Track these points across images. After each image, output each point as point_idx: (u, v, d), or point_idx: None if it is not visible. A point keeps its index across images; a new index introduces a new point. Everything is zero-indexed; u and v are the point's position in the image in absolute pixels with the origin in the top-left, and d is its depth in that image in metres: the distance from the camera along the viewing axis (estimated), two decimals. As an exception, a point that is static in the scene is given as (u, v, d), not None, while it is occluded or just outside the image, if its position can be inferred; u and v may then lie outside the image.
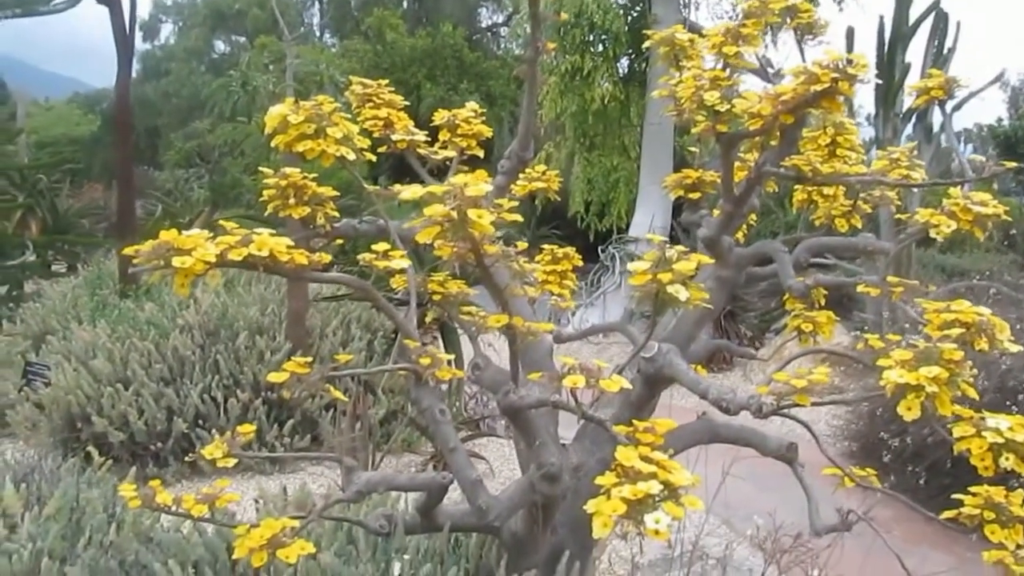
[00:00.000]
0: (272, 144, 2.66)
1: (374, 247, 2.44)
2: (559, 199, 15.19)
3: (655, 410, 2.98)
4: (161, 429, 5.66)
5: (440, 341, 6.60)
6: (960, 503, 2.24)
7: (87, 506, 3.50)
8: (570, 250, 3.37)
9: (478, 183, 1.75)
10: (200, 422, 5.73)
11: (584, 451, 2.85)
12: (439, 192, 1.75)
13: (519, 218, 1.91)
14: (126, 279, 8.05)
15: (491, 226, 1.76)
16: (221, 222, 2.31)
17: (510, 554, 2.93)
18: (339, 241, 2.95)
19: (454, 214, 1.72)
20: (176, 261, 2.08)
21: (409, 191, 1.84)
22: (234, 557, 2.35)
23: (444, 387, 6.58)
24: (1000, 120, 31.42)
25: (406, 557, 2.79)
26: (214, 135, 21.99)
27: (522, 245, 2.23)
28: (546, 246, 3.39)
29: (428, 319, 3.12)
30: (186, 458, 5.15)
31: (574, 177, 15.63)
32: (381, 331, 6.89)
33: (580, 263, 3.34)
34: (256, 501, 3.57)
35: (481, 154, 3.17)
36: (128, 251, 2.16)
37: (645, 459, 1.81)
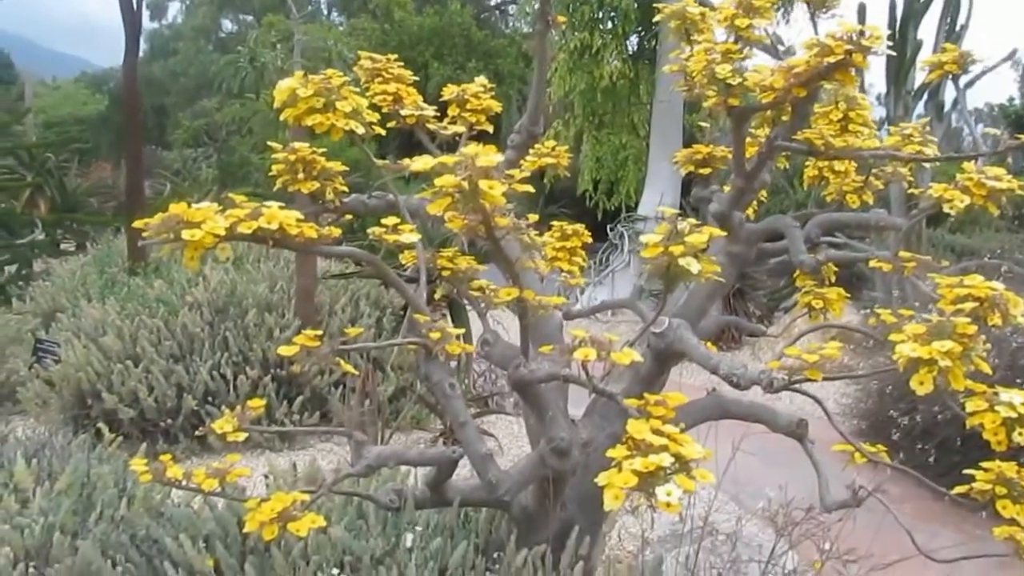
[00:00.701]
0: (281, 118, 2.66)
1: (383, 221, 2.43)
2: (568, 176, 15.22)
3: (665, 387, 2.97)
4: (171, 406, 5.68)
5: (449, 319, 6.60)
6: (971, 479, 2.23)
7: (98, 481, 3.51)
8: (580, 227, 3.35)
9: (489, 154, 1.74)
10: (210, 399, 5.74)
11: (594, 426, 2.85)
12: (450, 163, 1.74)
13: (531, 189, 1.90)
14: (135, 257, 8.07)
15: (502, 197, 1.75)
16: (230, 195, 2.30)
17: (520, 529, 2.93)
18: (348, 217, 2.94)
19: (465, 185, 1.71)
20: (186, 234, 2.07)
21: (420, 162, 1.83)
22: (245, 531, 2.35)
23: (453, 364, 6.62)
24: (1011, 99, 31.24)
25: (418, 528, 2.79)
26: (222, 113, 21.96)
27: (533, 217, 2.22)
28: (556, 223, 3.37)
29: (437, 296, 3.11)
30: (196, 432, 5.16)
31: (583, 155, 15.58)
32: (390, 308, 6.89)
33: (590, 240, 3.32)
34: (266, 477, 3.57)
35: (491, 129, 3.15)
36: (138, 224, 2.15)
37: (656, 432, 1.80)
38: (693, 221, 2.04)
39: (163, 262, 7.58)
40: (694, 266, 1.92)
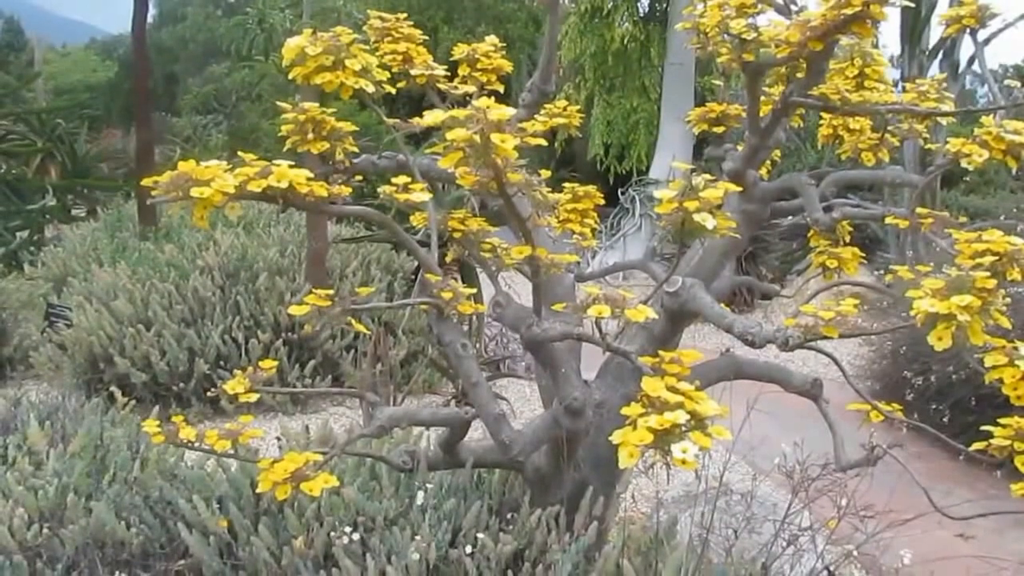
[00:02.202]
0: (290, 78, 2.63)
1: (393, 180, 2.41)
2: (580, 137, 15.13)
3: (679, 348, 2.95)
4: (183, 370, 5.69)
5: (460, 282, 6.58)
6: (988, 435, 2.21)
7: (111, 444, 3.52)
8: (591, 188, 3.32)
9: (501, 107, 1.71)
10: (221, 363, 5.75)
11: (607, 387, 2.84)
12: (462, 116, 1.71)
13: (543, 141, 1.87)
14: (145, 221, 8.07)
15: (515, 151, 1.72)
16: (240, 153, 2.29)
17: (533, 490, 2.93)
18: (359, 178, 2.91)
19: (477, 138, 1.68)
20: (195, 192, 2.06)
21: (431, 116, 1.80)
22: (258, 491, 2.35)
23: (464, 327, 6.61)
24: (1026, 59, 30.92)
25: (429, 486, 2.79)
26: (231, 79, 21.88)
27: (546, 173, 2.19)
28: (567, 184, 3.34)
29: (448, 259, 3.09)
30: (208, 393, 5.18)
31: (593, 119, 15.49)
32: (401, 272, 6.88)
33: (602, 201, 3.28)
34: (278, 439, 3.57)
35: (501, 89, 3.12)
36: (147, 182, 2.13)
37: (672, 389, 1.79)
38: (708, 176, 2.01)
39: (174, 227, 7.59)
40: (709, 222, 1.89)
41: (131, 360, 5.62)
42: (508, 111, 1.71)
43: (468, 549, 2.62)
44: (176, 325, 5.83)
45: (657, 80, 14.65)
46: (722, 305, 3.05)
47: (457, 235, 2.76)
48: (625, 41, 14.50)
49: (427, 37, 3.10)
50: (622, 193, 13.37)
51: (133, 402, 4.69)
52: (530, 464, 2.84)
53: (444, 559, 2.64)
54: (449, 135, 1.70)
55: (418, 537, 2.61)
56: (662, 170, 12.55)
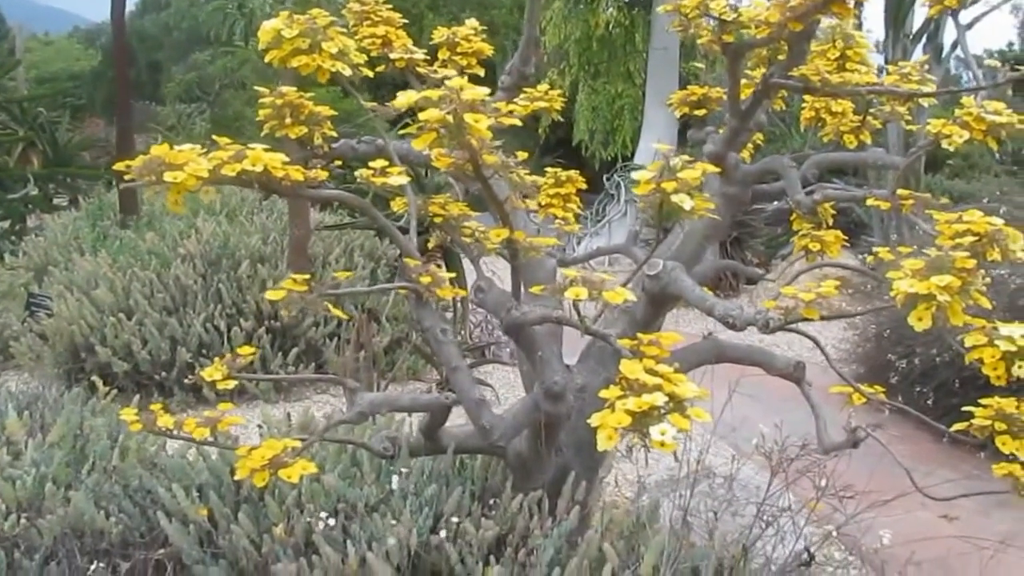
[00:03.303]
0: (266, 61, 2.60)
1: (371, 164, 2.39)
2: (563, 122, 15.10)
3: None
4: (165, 359, 5.66)
5: (444, 269, 6.56)
6: (970, 416, 2.21)
7: (91, 433, 3.50)
8: (574, 173, 3.30)
9: (475, 87, 1.69)
10: (204, 351, 5.72)
11: (589, 371, 2.82)
12: (435, 97, 1.69)
13: (517, 122, 1.85)
14: (127, 210, 8.02)
15: (489, 131, 1.70)
16: (214, 138, 2.26)
17: (515, 475, 2.91)
18: (338, 162, 2.89)
19: (450, 119, 1.66)
20: (168, 176, 2.03)
21: (404, 96, 1.78)
22: (236, 478, 2.33)
23: (449, 314, 6.60)
24: (1010, 45, 30.99)
25: (404, 470, 2.77)
26: (214, 66, 21.75)
27: (523, 155, 2.17)
28: (549, 169, 3.32)
29: (431, 245, 3.07)
30: (186, 380, 5.15)
31: (578, 105, 15.48)
32: (384, 259, 6.86)
33: (584, 186, 3.27)
34: (260, 427, 3.56)
35: (482, 72, 3.10)
36: (119, 166, 2.11)
37: (650, 372, 1.77)
38: (687, 157, 2.00)
39: (156, 215, 7.54)
40: (687, 202, 1.88)
41: (112, 349, 5.58)
42: (482, 91, 1.69)
43: (449, 535, 2.61)
44: (158, 314, 5.79)
45: (642, 65, 14.63)
46: (704, 289, 3.05)
47: (438, 220, 2.74)
48: (610, 27, 14.48)
49: (412, 24, 3.08)
50: (607, 179, 13.35)
51: (115, 391, 4.66)
52: (512, 449, 2.83)
53: (425, 545, 2.63)
54: (422, 116, 1.68)
55: (393, 522, 2.59)
56: (647, 155, 12.53)
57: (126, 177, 2.10)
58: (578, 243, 12.26)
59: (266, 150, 2.17)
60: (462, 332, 6.74)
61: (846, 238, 3.13)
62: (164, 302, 5.93)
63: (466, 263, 5.75)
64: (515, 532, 2.72)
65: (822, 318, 2.24)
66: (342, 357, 5.46)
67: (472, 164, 1.87)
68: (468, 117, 1.67)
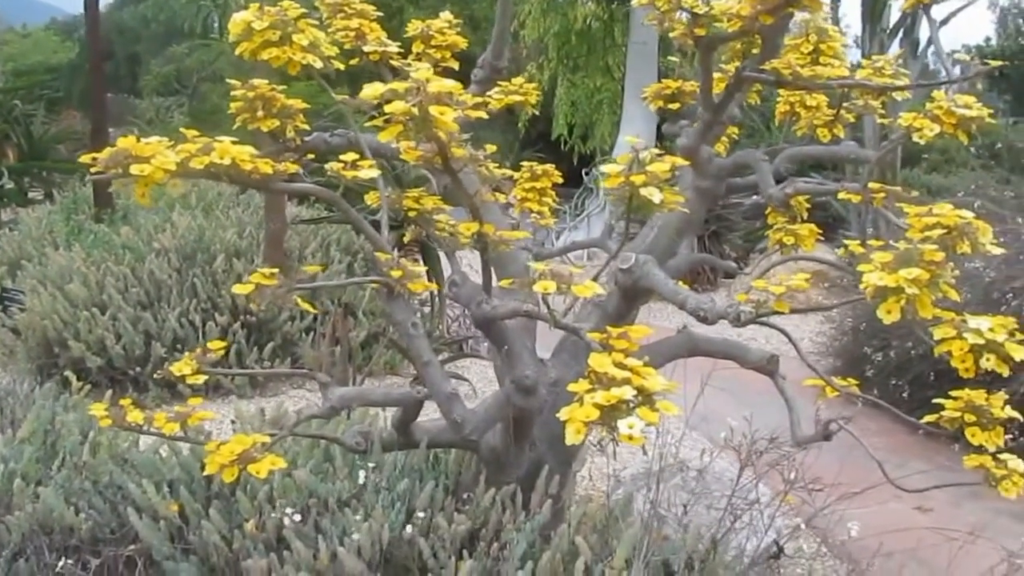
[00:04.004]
0: (236, 53, 2.58)
1: (342, 157, 2.38)
2: (543, 116, 15.07)
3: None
4: (139, 354, 5.62)
5: (421, 263, 6.53)
6: (941, 408, 2.22)
7: (62, 429, 3.46)
8: (549, 167, 3.29)
9: (442, 79, 1.68)
10: (179, 346, 5.67)
11: (563, 365, 2.82)
12: (401, 89, 1.68)
13: (483, 115, 1.84)
14: (101, 204, 7.96)
15: (455, 124, 1.69)
16: (181, 130, 2.24)
17: (489, 469, 2.91)
18: (311, 156, 2.87)
19: (415, 111, 1.65)
20: (134, 168, 2.01)
21: (370, 89, 1.76)
22: (204, 473, 2.32)
23: (427, 309, 6.58)
24: (988, 40, 31.15)
25: (371, 465, 2.76)
26: (192, 59, 21.61)
27: (491, 148, 2.16)
28: (525, 163, 3.31)
29: (407, 239, 3.06)
30: (155, 375, 5.12)
31: (557, 99, 15.44)
32: (361, 254, 6.83)
33: (560, 180, 3.26)
34: (233, 422, 3.53)
35: (456, 66, 3.09)
36: (85, 159, 2.09)
37: (619, 365, 1.77)
38: (656, 151, 2.00)
39: (131, 209, 7.49)
40: (656, 196, 1.87)
41: (86, 344, 5.54)
42: (448, 83, 1.68)
43: (419, 530, 2.60)
44: (132, 308, 5.74)
45: (621, 60, 14.61)
46: (679, 282, 3.05)
47: (412, 214, 2.73)
48: (588, 21, 14.44)
49: (392, 17, 3.06)
50: (586, 173, 13.35)
51: (89, 387, 4.62)
52: (485, 443, 2.82)
53: (398, 540, 2.62)
54: (387, 108, 1.67)
55: (357, 517, 2.58)
56: (626, 149, 12.49)
57: (92, 170, 2.08)
58: (557, 237, 12.28)
59: (234, 142, 2.16)
60: (440, 326, 6.72)
61: (824, 232, 3.14)
62: (138, 297, 5.89)
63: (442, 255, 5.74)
64: (488, 526, 2.71)
65: (793, 311, 2.25)
66: (317, 351, 5.43)
67: (441, 157, 1.86)
68: (434, 110, 1.65)
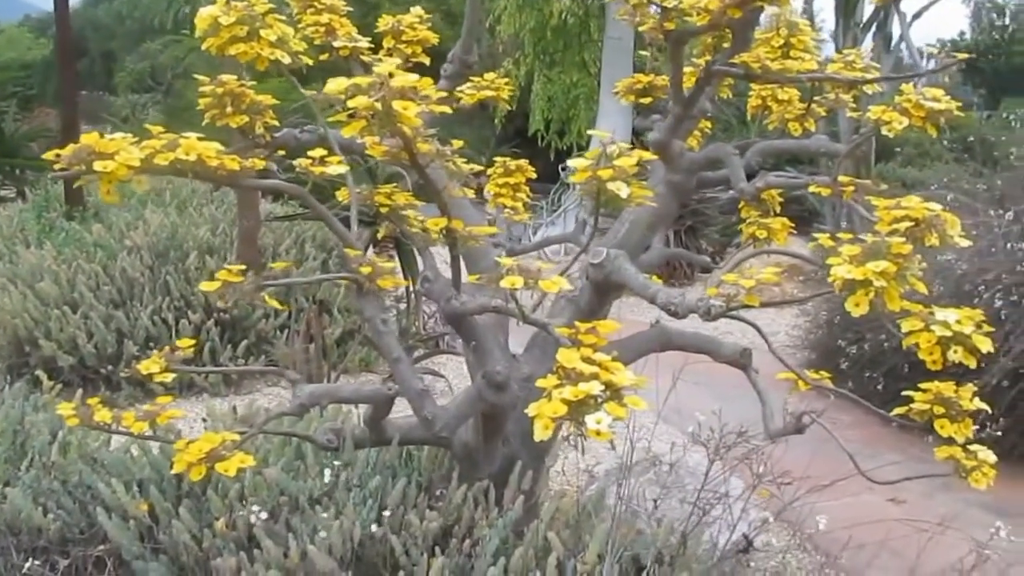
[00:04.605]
0: (203, 48, 2.56)
1: (310, 153, 2.36)
2: (520, 112, 15.05)
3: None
4: (111, 352, 5.57)
5: (397, 260, 6.51)
6: (911, 400, 2.23)
7: (32, 428, 3.43)
8: (523, 162, 3.29)
9: (405, 74, 1.66)
10: (151, 344, 5.62)
11: (535, 361, 2.81)
12: (364, 84, 1.66)
13: (447, 109, 1.83)
14: (72, 201, 7.90)
15: (419, 119, 1.68)
16: (146, 126, 2.22)
17: (462, 466, 2.90)
18: (281, 152, 2.85)
19: (378, 106, 1.64)
20: (98, 165, 1.99)
21: (334, 83, 1.75)
22: (173, 472, 2.30)
23: (403, 305, 6.56)
24: (962, 34, 31.39)
25: (337, 463, 2.75)
26: (166, 55, 21.44)
27: (458, 143, 2.15)
28: (498, 158, 3.30)
29: (380, 235, 3.04)
30: (122, 374, 5.08)
31: (534, 95, 15.45)
32: (336, 250, 6.79)
33: (534, 175, 3.25)
34: (204, 420, 3.51)
35: (427, 61, 3.08)
36: (48, 155, 2.07)
37: (587, 360, 1.76)
38: (625, 145, 1.99)
39: (103, 206, 7.43)
40: (623, 190, 1.86)
41: (57, 343, 5.49)
42: (412, 77, 1.67)
43: (388, 528, 2.59)
44: (104, 307, 5.69)
45: (597, 55, 14.61)
46: (655, 277, 3.05)
47: (384, 210, 2.72)
48: (564, 16, 14.43)
49: (369, 13, 3.05)
50: (563, 169, 13.35)
51: (60, 386, 4.58)
52: (458, 440, 2.82)
53: (369, 538, 2.60)
54: (350, 103, 1.66)
55: (324, 515, 2.56)
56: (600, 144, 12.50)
57: (56, 167, 2.06)
58: (535, 232, 12.28)
59: (200, 138, 2.14)
60: (416, 323, 6.70)
61: (799, 226, 3.15)
62: (110, 295, 5.84)
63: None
64: (461, 523, 2.71)
65: (764, 304, 2.25)
66: (291, 348, 5.40)
67: (407, 152, 1.85)
68: (397, 105, 1.64)
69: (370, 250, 6.63)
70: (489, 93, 3.35)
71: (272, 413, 2.44)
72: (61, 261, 6.08)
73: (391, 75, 1.64)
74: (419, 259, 3.18)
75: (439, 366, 6.37)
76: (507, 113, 14.14)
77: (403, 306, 6.58)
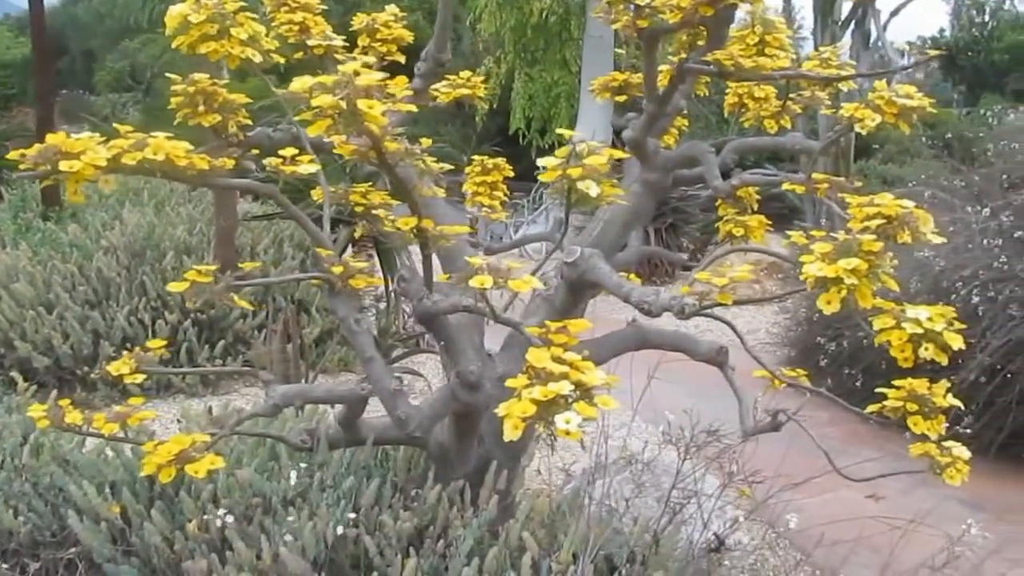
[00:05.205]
0: (173, 47, 2.54)
1: (281, 152, 2.35)
2: (501, 110, 15.02)
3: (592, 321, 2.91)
4: (87, 353, 5.54)
5: (376, 259, 6.49)
6: (884, 397, 2.23)
7: (3, 430, 3.40)
8: (500, 161, 3.27)
9: (371, 72, 1.65)
10: (127, 345, 5.59)
11: (511, 360, 2.80)
12: (329, 83, 1.65)
13: (413, 108, 1.81)
14: (49, 201, 7.85)
15: (384, 117, 1.66)
16: (115, 126, 2.20)
17: (437, 465, 2.89)
18: (255, 151, 2.83)
19: (343, 104, 1.62)
20: (63, 165, 1.97)
21: (298, 82, 1.73)
22: (141, 474, 2.28)
23: (383, 304, 6.54)
24: (942, 31, 31.55)
25: (302, 465, 2.73)
26: (144, 54, 21.35)
27: (426, 142, 2.13)
28: (476, 156, 3.29)
29: (358, 235, 3.03)
30: (92, 375, 5.06)
31: (514, 93, 15.43)
32: (313, 249, 6.77)
33: (511, 174, 3.24)
34: (178, 421, 3.49)
35: (402, 60, 3.06)
36: (13, 155, 2.04)
37: (557, 360, 1.75)
38: (595, 144, 1.98)
39: (80, 206, 7.38)
40: (593, 189, 1.86)
41: (33, 344, 5.45)
42: (376, 76, 1.65)
43: (363, 529, 2.57)
44: (79, 307, 5.66)
45: (578, 53, 14.60)
46: (632, 276, 3.04)
47: (359, 209, 2.70)
48: (545, 14, 14.42)
49: (348, 11, 3.04)
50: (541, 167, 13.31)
51: (35, 387, 4.55)
52: (433, 439, 2.80)
53: (343, 539, 2.59)
54: (314, 101, 1.64)
55: (290, 520, 2.54)
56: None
57: (21, 167, 2.04)
58: (516, 230, 12.27)
59: (169, 137, 2.12)
60: (396, 322, 6.68)
61: (780, 223, 3.14)
62: (86, 295, 5.81)
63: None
64: (436, 523, 2.69)
65: (736, 302, 2.25)
66: (268, 348, 5.37)
67: (375, 152, 1.84)
68: (362, 104, 1.63)
69: (349, 249, 6.63)
70: (465, 91, 3.34)
71: (244, 414, 2.42)
72: (37, 262, 6.04)
73: (356, 73, 1.63)
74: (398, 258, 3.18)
75: (419, 365, 6.35)
76: (489, 111, 14.13)
77: (383, 305, 6.56)
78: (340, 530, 2.53)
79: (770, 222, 3.12)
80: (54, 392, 4.16)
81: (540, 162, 1.93)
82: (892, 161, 16.77)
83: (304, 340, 5.68)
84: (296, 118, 2.27)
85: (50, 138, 2.03)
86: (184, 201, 7.46)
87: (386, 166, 1.93)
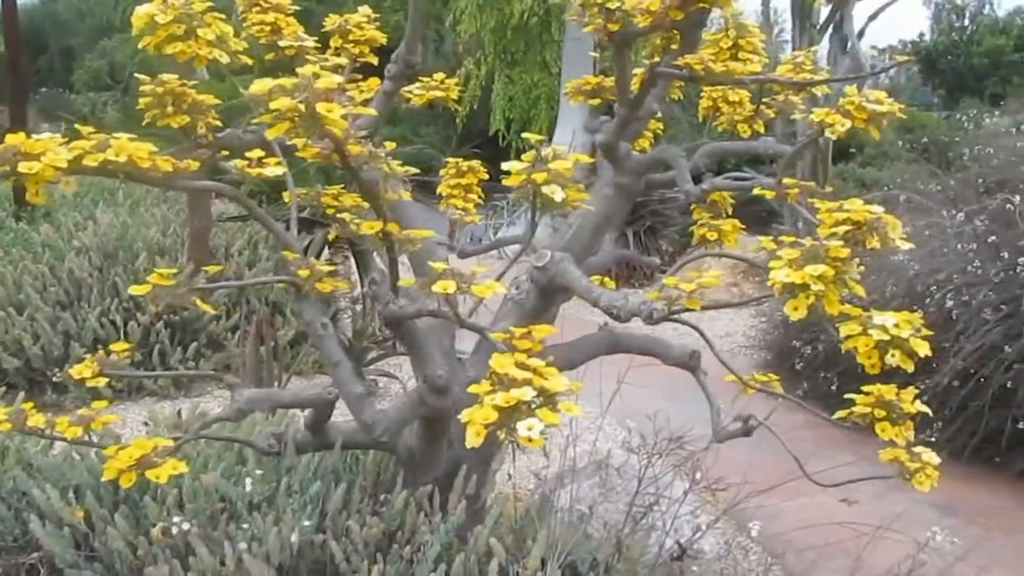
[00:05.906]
0: (140, 47, 2.51)
1: (248, 154, 2.33)
2: (481, 116, 15.02)
3: (555, 322, 2.91)
4: (58, 355, 5.49)
5: (353, 262, 6.46)
6: (852, 403, 2.23)
7: (-32, 434, 3.36)
8: (475, 163, 3.25)
9: (330, 75, 1.63)
10: (99, 346, 5.54)
11: (481, 364, 2.77)
12: (289, 85, 1.63)
13: (373, 112, 1.79)
14: (21, 201, 7.78)
15: (343, 120, 1.64)
16: (77, 127, 2.17)
17: (406, 470, 2.86)
18: (225, 152, 2.80)
19: (302, 108, 1.60)
20: (23, 166, 1.94)
21: (257, 84, 1.71)
22: (103, 479, 2.25)
23: (359, 307, 6.49)
24: (922, 35, 31.71)
25: (259, 472, 2.70)
26: (122, 53, 21.24)
27: (390, 145, 2.11)
28: (450, 159, 3.26)
29: (332, 237, 3.00)
30: (55, 378, 5.01)
31: (494, 95, 15.44)
32: (290, 251, 6.73)
33: (486, 176, 3.22)
34: (146, 424, 3.45)
35: (375, 61, 3.04)
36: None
37: (521, 366, 1.74)
38: (560, 148, 1.97)
39: (52, 206, 7.33)
40: (558, 194, 1.84)
41: (2, 345, 5.40)
42: (336, 79, 1.63)
43: (330, 534, 2.55)
44: (50, 308, 5.61)
45: (558, 55, 14.63)
46: (606, 280, 3.03)
47: (331, 211, 2.68)
48: (525, 16, 14.44)
49: (329, 13, 3.02)
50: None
51: (4, 389, 4.51)
52: (402, 444, 2.78)
53: (309, 544, 2.56)
54: (272, 104, 1.62)
55: (245, 526, 2.52)
56: (562, 145, 12.50)
57: (-21, 168, 2.01)
58: (495, 232, 12.26)
59: (131, 138, 2.09)
60: (371, 325, 6.64)
61: (756, 227, 3.14)
62: (57, 296, 5.76)
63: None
64: (404, 528, 2.67)
65: (719, 306, 2.25)
66: (241, 350, 5.34)
67: (338, 154, 1.82)
68: (321, 107, 1.61)
69: (326, 251, 6.59)
70: (438, 94, 3.32)
71: (208, 418, 2.39)
72: (8, 262, 5.99)
73: (316, 76, 1.61)
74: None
75: (395, 368, 6.33)
76: (469, 113, 14.14)
77: (360, 307, 6.52)
78: (306, 536, 2.50)
79: (749, 225, 3.12)
80: (21, 394, 4.12)
81: (505, 166, 1.92)
82: (871, 165, 16.84)
83: (279, 342, 5.64)
84: (254, 120, 2.25)
85: (9, 138, 2.00)
86: (159, 202, 7.41)
87: (349, 169, 1.91)
